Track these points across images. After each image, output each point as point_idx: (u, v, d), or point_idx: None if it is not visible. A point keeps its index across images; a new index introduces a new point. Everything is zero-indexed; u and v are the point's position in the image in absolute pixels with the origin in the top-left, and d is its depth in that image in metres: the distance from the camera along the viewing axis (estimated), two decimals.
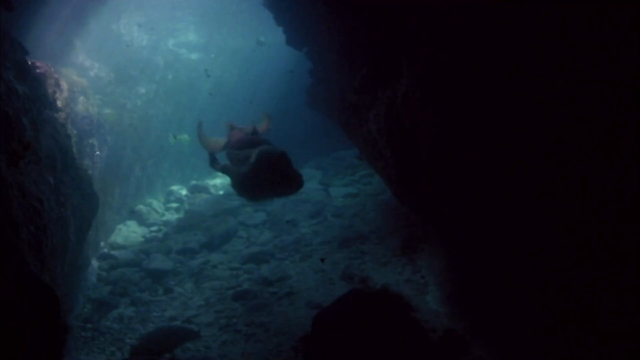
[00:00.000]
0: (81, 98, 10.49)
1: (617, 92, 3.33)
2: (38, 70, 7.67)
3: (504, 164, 4.46)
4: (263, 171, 6.45)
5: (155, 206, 14.87)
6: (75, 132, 9.19)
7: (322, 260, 8.78)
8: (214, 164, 8.38)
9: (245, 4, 18.20)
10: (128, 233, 12.60)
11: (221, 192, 16.82)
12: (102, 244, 11.29)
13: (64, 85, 8.76)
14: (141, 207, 14.07)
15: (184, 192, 16.71)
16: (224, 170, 8.02)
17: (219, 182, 18.32)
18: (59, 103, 8.27)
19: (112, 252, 11.08)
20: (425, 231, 9.15)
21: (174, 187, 16.90)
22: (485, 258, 6.11)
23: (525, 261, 5.08)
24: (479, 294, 6.54)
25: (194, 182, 17.94)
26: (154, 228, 13.19)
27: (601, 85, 3.27)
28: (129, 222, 13.31)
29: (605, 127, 3.25)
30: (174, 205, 15.60)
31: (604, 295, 3.86)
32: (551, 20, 3.54)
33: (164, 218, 14.27)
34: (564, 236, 3.96)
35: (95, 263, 10.28)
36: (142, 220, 13.52)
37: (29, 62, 6.86)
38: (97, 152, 10.83)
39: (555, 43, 3.56)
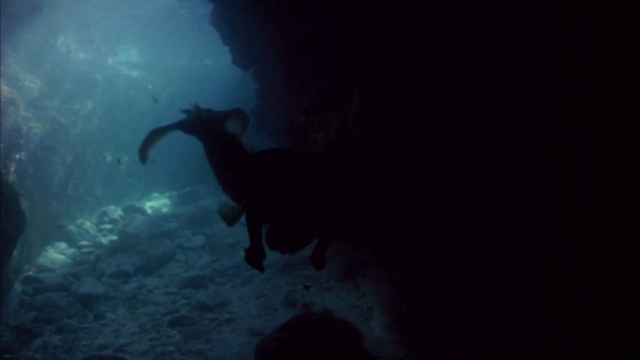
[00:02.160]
0: (10, 109, 9.87)
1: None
2: None
3: (450, 188, 4.44)
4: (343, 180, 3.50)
5: (87, 227, 14.15)
6: (2, 145, 8.59)
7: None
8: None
9: (188, 25, 17.99)
10: (56, 255, 11.86)
11: (158, 214, 16.29)
12: (26, 266, 10.54)
13: None
14: (72, 228, 13.34)
15: (118, 212, 16.04)
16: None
17: (156, 203, 17.76)
18: None
19: (38, 275, 10.36)
20: (369, 255, 9.10)
21: (108, 208, 16.19)
22: (430, 283, 6.09)
23: (470, 287, 5.07)
24: (424, 320, 6.50)
25: (129, 202, 17.29)
26: (85, 250, 12.49)
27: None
28: (57, 243, 12.57)
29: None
30: (108, 226, 14.92)
31: (553, 316, 3.87)
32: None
33: (97, 239, 13.57)
34: (510, 262, 3.96)
35: (18, 287, 9.56)
36: (72, 242, 12.80)
37: None
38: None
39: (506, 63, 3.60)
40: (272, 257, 11.24)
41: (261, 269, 4.66)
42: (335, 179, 3.46)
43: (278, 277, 9.82)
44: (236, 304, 8.95)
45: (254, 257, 4.50)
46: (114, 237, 13.61)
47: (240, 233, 12.99)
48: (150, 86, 15.48)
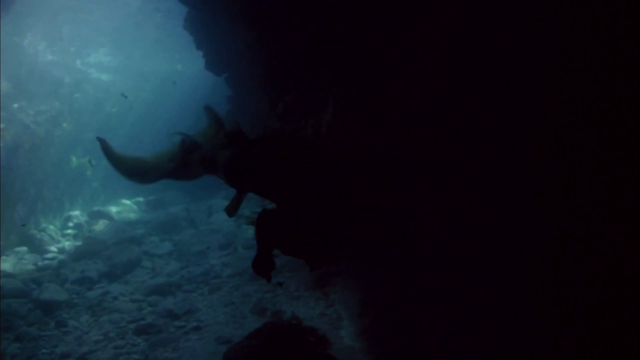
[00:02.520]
0: None
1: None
2: None
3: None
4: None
5: (51, 232, 13.76)
6: None
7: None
8: None
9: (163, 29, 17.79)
10: (17, 260, 11.50)
11: (125, 220, 15.96)
12: None
13: None
14: (34, 233, 12.95)
15: (84, 218, 15.66)
16: None
17: (123, 209, 17.41)
18: None
19: None
20: (339, 264, 9.07)
21: (73, 213, 15.80)
22: (399, 292, 6.10)
23: (439, 296, 5.09)
24: (394, 329, 6.50)
25: (95, 207, 16.91)
26: (48, 255, 12.16)
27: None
28: (19, 249, 12.19)
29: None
30: (72, 231, 14.56)
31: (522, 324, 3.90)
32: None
33: (60, 245, 13.21)
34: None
35: None
36: (34, 247, 12.43)
37: None
38: None
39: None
40: (241, 265, 11.15)
41: (268, 277, 4.47)
42: (334, 176, 3.44)
43: (247, 285, 9.71)
44: (204, 311, 8.80)
45: (262, 265, 4.31)
46: (79, 243, 13.28)
47: (208, 240, 12.87)
48: (126, 96, 15.12)
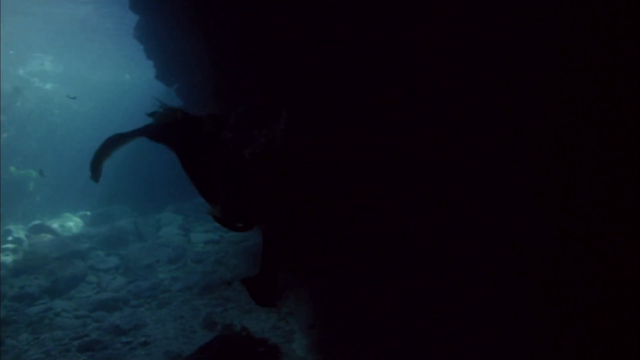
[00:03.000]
0: None
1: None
2: None
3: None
4: None
5: None
6: None
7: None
8: None
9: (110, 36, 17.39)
10: None
11: (69, 234, 15.39)
12: None
13: None
14: None
15: (23, 232, 14.98)
16: None
17: (67, 223, 16.80)
18: None
19: None
20: (291, 278, 9.02)
21: (12, 226, 15.10)
22: (350, 306, 6.12)
23: (389, 308, 5.13)
24: (346, 341, 6.50)
25: (36, 221, 16.22)
26: None
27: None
28: None
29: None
30: (11, 246, 13.88)
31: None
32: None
33: None
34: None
35: None
36: None
37: None
38: None
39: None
40: (191, 279, 10.90)
41: (275, 304, 4.02)
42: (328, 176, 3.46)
43: (197, 299, 9.52)
44: (152, 326, 8.55)
45: (264, 290, 3.90)
46: (18, 257, 12.69)
47: (157, 254, 12.55)
48: (73, 97, 14.63)
